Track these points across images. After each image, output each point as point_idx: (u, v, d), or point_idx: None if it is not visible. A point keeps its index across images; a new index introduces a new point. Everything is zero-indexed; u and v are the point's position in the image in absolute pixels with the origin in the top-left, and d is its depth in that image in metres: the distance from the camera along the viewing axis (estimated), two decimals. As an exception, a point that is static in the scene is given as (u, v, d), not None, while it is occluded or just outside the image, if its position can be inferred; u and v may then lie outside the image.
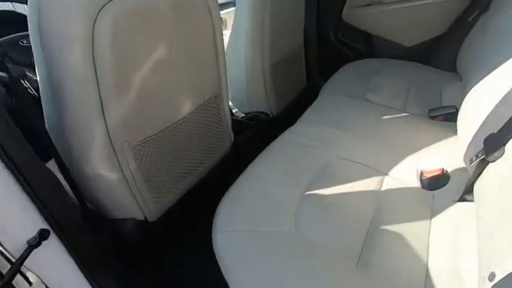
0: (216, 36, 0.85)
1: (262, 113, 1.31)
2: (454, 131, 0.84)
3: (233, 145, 1.07)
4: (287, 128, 0.99)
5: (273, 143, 0.90)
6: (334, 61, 1.58)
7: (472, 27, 1.13)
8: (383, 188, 0.74)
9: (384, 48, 1.46)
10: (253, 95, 1.26)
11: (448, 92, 1.15)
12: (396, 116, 1.00)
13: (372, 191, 0.72)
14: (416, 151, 0.81)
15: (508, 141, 0.54)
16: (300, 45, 1.45)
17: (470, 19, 1.14)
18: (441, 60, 1.31)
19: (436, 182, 0.73)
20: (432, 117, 0.98)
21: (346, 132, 0.91)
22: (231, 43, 1.22)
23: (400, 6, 1.35)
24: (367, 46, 1.51)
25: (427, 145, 0.82)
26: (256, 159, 0.82)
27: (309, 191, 0.71)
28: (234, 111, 1.43)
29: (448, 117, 0.95)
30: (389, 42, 1.44)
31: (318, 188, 0.71)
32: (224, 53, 0.92)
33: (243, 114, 1.36)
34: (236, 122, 1.23)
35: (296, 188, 0.71)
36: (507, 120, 0.56)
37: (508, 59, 0.65)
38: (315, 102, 1.13)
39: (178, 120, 0.79)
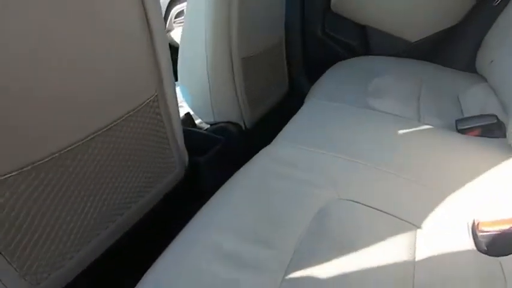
0: (148, 11, 0.57)
1: (232, 123, 1.00)
2: (507, 151, 0.57)
3: (188, 169, 0.77)
4: (264, 143, 0.71)
5: (238, 175, 0.59)
6: (322, 60, 1.30)
7: (500, 13, 0.88)
8: (417, 253, 0.44)
9: (383, 44, 1.19)
10: (219, 99, 0.95)
11: (470, 96, 0.89)
12: (413, 129, 0.72)
13: (400, 257, 0.43)
14: (461, 186, 0.52)
15: None
16: (280, 40, 1.16)
17: (495, 3, 0.89)
18: (455, 58, 1.06)
19: (503, 243, 0.44)
20: (462, 131, 0.71)
21: (345, 156, 0.62)
22: (186, 31, 0.92)
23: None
24: (362, 42, 1.24)
25: (474, 176, 0.54)
26: (209, 206, 0.51)
27: (292, 272, 0.39)
28: (197, 122, 1.11)
29: (486, 131, 0.68)
30: (389, 36, 1.17)
31: (306, 264, 0.41)
32: (164, 37, 0.64)
33: (208, 126, 1.05)
34: (195, 136, 0.92)
35: (271, 270, 0.40)
36: None
37: None
38: (300, 111, 0.83)
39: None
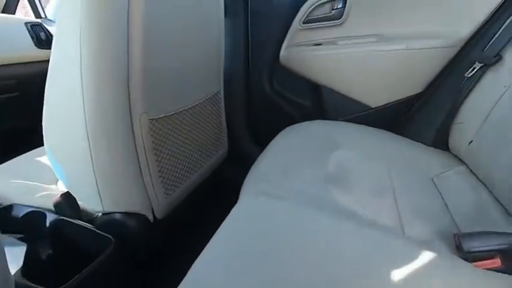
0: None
1: (133, 214, 0.66)
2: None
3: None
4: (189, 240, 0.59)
5: None
6: (270, 120, 1.08)
7: (474, 86, 0.74)
8: None
9: (340, 107, 1.00)
10: (111, 181, 0.62)
11: (451, 186, 0.69)
12: (401, 254, 0.46)
13: None
14: None
15: None
16: (215, 95, 0.90)
17: (468, 74, 0.75)
18: (421, 130, 0.89)
19: None
20: (470, 257, 0.46)
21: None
22: (53, 79, 0.60)
23: (361, 50, 0.93)
24: (316, 103, 1.05)
25: None
26: None
27: None
28: (90, 209, 0.75)
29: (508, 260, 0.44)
30: (346, 99, 0.99)
31: None
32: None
33: (100, 214, 0.69)
34: (74, 232, 0.64)
35: None
36: None
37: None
38: (234, 210, 0.53)
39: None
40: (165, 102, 0.67)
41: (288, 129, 0.89)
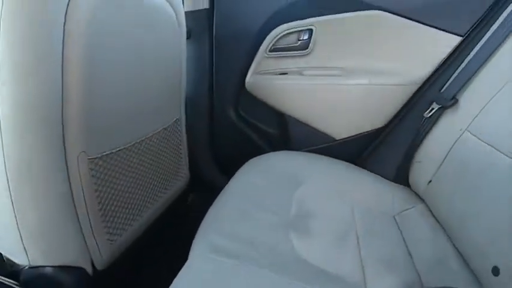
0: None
1: (68, 268, 0.57)
2: None
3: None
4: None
5: None
6: (234, 147, 1.04)
7: (432, 126, 0.75)
8: None
9: (305, 137, 0.98)
10: (38, 229, 0.53)
11: (411, 225, 0.69)
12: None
13: None
14: None
15: None
16: (175, 122, 0.84)
17: (427, 114, 0.76)
18: (383, 164, 0.89)
19: None
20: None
21: None
22: None
23: (326, 83, 0.92)
24: (282, 131, 1.02)
25: None
26: None
27: None
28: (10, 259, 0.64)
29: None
30: (311, 129, 0.97)
31: None
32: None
33: (26, 266, 0.58)
34: None
35: None
36: None
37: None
38: (183, 271, 0.47)
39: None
40: (110, 138, 0.59)
41: (251, 161, 0.85)
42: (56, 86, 0.47)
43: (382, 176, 0.87)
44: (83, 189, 0.55)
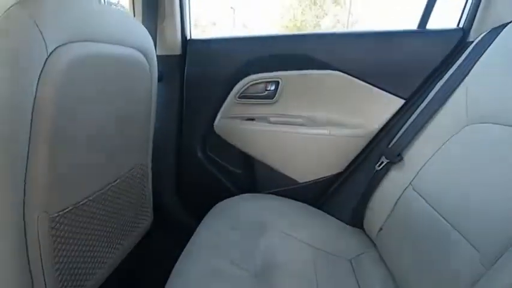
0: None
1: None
2: None
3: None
4: None
5: None
6: (202, 188, 1.04)
7: (382, 178, 0.84)
8: None
9: (270, 180, 1.03)
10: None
11: (363, 269, 0.75)
12: None
13: None
14: None
15: None
16: (141, 164, 0.83)
17: (378, 167, 0.86)
18: (340, 207, 0.97)
19: None
20: None
21: None
22: None
23: (290, 131, 0.99)
24: (248, 172, 1.06)
25: None
26: None
27: None
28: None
29: None
30: (276, 171, 1.03)
31: None
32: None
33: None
34: None
35: None
36: None
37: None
38: None
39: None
40: (74, 192, 0.58)
41: (218, 206, 0.87)
42: (22, 146, 0.46)
43: (340, 219, 0.94)
44: (40, 248, 0.52)
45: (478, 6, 0.82)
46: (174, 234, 0.75)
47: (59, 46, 0.47)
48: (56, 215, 0.54)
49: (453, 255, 0.53)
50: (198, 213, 0.84)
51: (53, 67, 0.46)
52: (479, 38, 0.75)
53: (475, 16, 0.82)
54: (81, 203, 0.60)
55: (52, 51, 0.46)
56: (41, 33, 0.44)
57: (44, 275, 0.54)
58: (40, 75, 0.45)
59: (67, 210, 0.56)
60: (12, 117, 0.44)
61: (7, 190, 0.46)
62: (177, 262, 0.64)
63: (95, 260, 0.67)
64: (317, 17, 13.35)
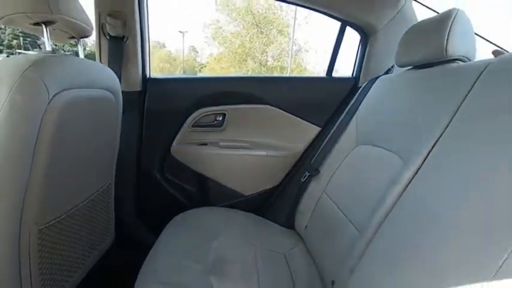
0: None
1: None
2: None
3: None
4: None
5: None
6: (160, 205, 1.19)
7: (307, 186, 1.10)
8: None
9: (220, 195, 1.23)
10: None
11: (294, 260, 0.98)
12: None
13: None
14: None
15: None
16: (108, 185, 0.97)
17: (303, 179, 1.12)
18: (277, 214, 1.20)
19: None
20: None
21: None
22: None
23: (236, 153, 1.21)
24: (201, 189, 1.24)
25: None
26: None
27: None
28: None
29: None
30: (225, 188, 1.23)
31: None
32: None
33: None
34: None
35: None
36: None
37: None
38: None
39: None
40: (57, 209, 0.71)
41: (176, 218, 1.03)
42: (25, 169, 0.60)
43: (277, 223, 1.17)
44: (29, 259, 0.64)
45: (362, 62, 1.17)
46: (133, 249, 0.88)
47: (56, 94, 0.63)
48: (43, 227, 0.67)
49: (344, 234, 0.79)
50: (156, 228, 0.99)
51: (52, 110, 0.62)
52: (363, 85, 1.08)
53: (361, 69, 1.17)
54: (61, 217, 0.73)
55: (52, 98, 0.62)
56: (46, 87, 0.60)
57: (31, 278, 0.65)
58: (43, 116, 0.60)
59: (51, 223, 0.69)
60: (22, 146, 0.58)
61: (9, 206, 0.59)
62: (144, 263, 0.79)
63: (69, 269, 0.78)
64: (264, 44, 14.36)
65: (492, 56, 0.69)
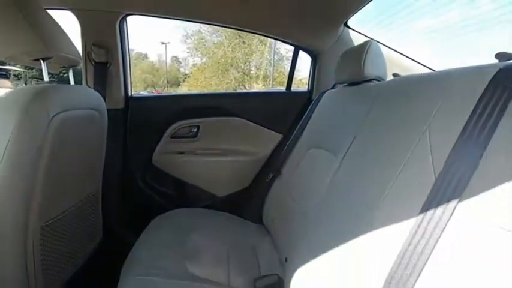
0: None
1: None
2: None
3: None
4: None
5: None
6: (143, 209, 1.33)
7: (270, 187, 1.28)
8: None
9: (198, 197, 1.39)
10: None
11: (262, 250, 1.14)
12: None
13: None
14: None
15: None
16: (96, 191, 1.11)
17: (268, 179, 1.30)
18: (248, 211, 1.37)
19: None
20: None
21: None
22: None
23: (211, 160, 1.38)
24: (180, 192, 1.40)
25: None
26: None
27: None
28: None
29: (273, 289, 0.88)
30: (202, 190, 1.39)
31: None
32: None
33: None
34: None
35: None
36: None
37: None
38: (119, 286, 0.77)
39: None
40: (56, 207, 0.85)
41: (157, 218, 1.18)
42: (32, 175, 0.75)
43: (248, 219, 1.33)
44: (33, 250, 0.78)
45: (314, 79, 1.38)
46: (120, 251, 1.02)
47: (54, 115, 0.78)
48: (45, 224, 0.81)
49: (295, 221, 0.97)
50: (140, 228, 1.14)
51: (51, 128, 0.77)
52: (315, 98, 1.28)
53: (313, 84, 1.38)
54: (58, 217, 0.87)
55: (51, 119, 0.77)
56: (47, 111, 0.75)
57: (35, 272, 0.79)
58: (44, 134, 0.76)
59: (50, 221, 0.84)
60: (26, 159, 0.73)
61: (16, 208, 0.74)
62: (129, 254, 0.94)
63: (63, 263, 0.92)
64: (246, 54, 14.68)
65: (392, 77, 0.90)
